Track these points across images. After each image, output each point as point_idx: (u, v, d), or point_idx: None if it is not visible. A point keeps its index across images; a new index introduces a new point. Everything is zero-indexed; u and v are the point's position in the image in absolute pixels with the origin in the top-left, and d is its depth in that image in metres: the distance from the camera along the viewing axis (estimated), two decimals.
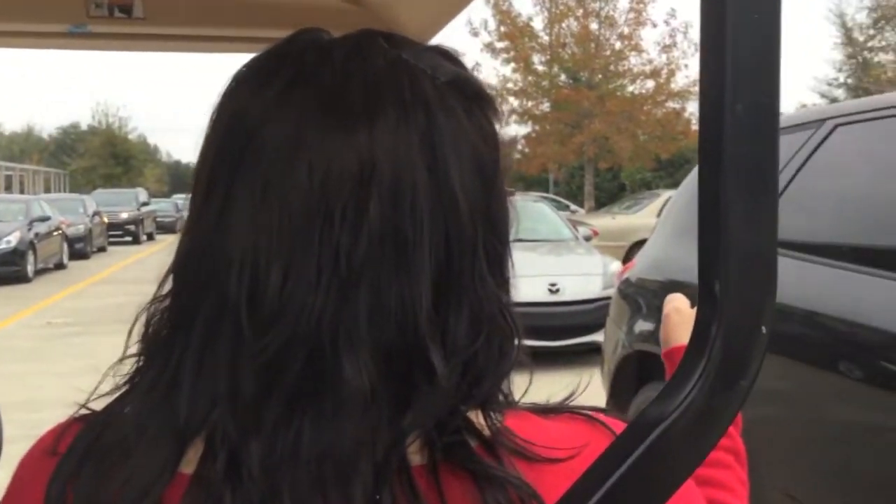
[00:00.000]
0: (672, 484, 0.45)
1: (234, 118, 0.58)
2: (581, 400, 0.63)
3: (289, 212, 0.54)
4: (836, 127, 2.80)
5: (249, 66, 0.61)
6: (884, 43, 25.13)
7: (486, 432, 0.56)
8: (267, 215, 0.54)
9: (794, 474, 2.59)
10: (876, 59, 24.41)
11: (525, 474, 0.54)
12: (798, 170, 2.85)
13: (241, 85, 0.60)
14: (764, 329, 0.44)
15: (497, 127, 0.62)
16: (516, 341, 0.59)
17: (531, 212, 9.46)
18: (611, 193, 27.96)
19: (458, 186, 0.56)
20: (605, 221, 14.74)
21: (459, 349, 0.55)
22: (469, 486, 0.53)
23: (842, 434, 2.39)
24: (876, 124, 2.67)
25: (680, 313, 0.96)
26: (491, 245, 0.59)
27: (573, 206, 22.91)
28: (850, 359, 2.34)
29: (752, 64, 0.42)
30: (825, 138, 2.81)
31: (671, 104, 23.97)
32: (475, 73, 0.63)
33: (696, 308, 0.66)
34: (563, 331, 6.88)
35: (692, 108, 29.24)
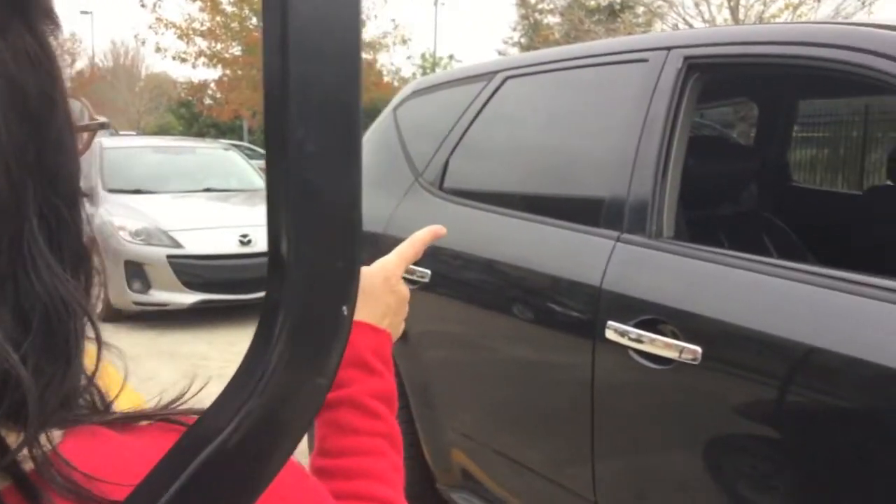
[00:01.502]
0: None
1: None
2: None
3: None
4: (506, 79, 2.91)
5: None
6: (552, 6, 27.34)
7: (28, 465, 0.41)
8: None
9: (471, 415, 2.70)
10: (545, 20, 26.47)
11: None
12: (472, 121, 2.93)
13: None
14: (345, 310, 0.34)
15: (56, 48, 0.46)
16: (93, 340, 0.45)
17: (222, 160, 9.07)
18: None
19: None
20: None
21: None
22: None
23: (513, 372, 2.52)
24: (541, 77, 2.81)
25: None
26: (50, 207, 0.44)
27: None
28: (522, 302, 2.46)
29: None
30: (496, 90, 2.92)
31: (362, 54, 24.16)
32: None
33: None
34: (256, 283, 6.67)
35: (383, 59, 29.76)
